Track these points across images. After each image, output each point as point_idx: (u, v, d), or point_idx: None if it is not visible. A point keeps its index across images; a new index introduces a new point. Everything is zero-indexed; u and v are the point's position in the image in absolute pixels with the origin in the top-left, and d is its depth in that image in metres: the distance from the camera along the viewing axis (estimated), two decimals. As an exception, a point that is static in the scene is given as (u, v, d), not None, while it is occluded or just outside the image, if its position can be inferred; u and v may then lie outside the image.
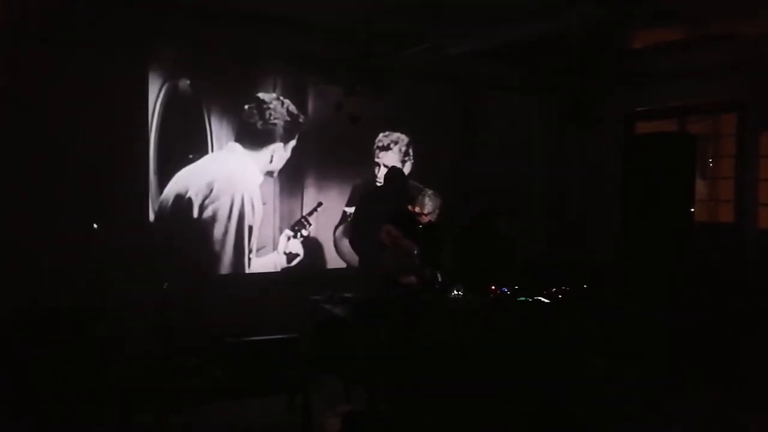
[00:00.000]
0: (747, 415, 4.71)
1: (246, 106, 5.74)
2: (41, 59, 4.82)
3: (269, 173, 5.92)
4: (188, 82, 5.48)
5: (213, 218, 5.65)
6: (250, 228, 5.83)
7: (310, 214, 6.14)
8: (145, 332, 4.43)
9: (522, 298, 4.84)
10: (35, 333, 4.30)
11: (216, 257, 5.70)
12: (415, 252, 4.99)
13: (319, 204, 6.18)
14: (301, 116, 6.02)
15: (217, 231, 5.69)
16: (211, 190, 5.63)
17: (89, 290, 4.74)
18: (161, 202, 5.43)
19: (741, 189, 6.17)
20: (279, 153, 5.94)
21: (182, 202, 5.51)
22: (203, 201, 5.60)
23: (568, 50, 6.61)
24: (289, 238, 6.06)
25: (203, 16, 5.32)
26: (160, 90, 5.36)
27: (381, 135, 6.58)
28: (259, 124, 5.81)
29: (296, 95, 6.03)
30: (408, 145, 6.71)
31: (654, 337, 5.94)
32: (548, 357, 5.04)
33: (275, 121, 5.88)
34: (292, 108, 5.97)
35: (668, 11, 5.12)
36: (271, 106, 5.86)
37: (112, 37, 4.99)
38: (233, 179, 5.72)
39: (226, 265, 5.75)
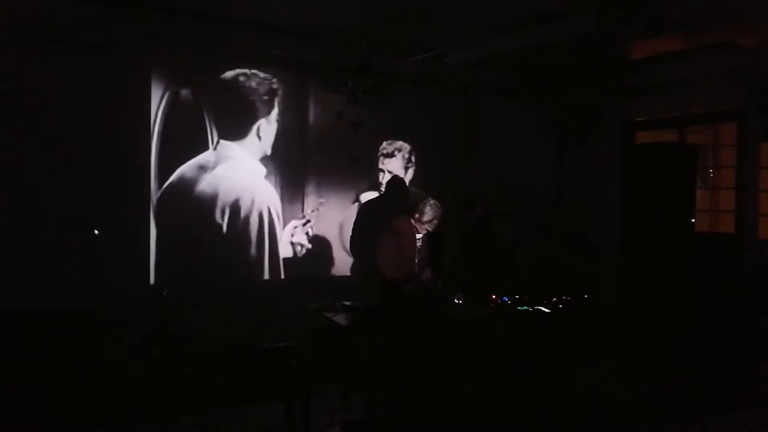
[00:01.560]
0: (745, 414, 4.73)
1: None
2: (44, 62, 4.86)
3: (264, 157, 5.92)
4: (190, 88, 5.51)
5: (216, 222, 5.69)
6: (254, 232, 5.87)
7: (313, 211, 6.15)
8: (145, 336, 4.42)
9: (522, 308, 4.83)
10: (35, 333, 4.32)
11: (217, 264, 5.72)
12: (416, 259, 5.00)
13: (320, 203, 6.18)
14: (274, 81, 5.93)
15: (221, 236, 5.72)
16: (213, 194, 5.67)
17: (89, 292, 4.77)
18: (161, 205, 5.45)
19: (741, 199, 6.17)
20: (264, 127, 5.90)
21: (182, 205, 5.53)
22: (204, 205, 5.63)
23: (569, 58, 6.64)
24: (294, 228, 6.07)
25: (206, 23, 5.36)
26: (162, 95, 5.39)
27: (385, 143, 6.61)
28: (236, 106, 5.75)
29: (297, 102, 6.05)
30: (410, 153, 6.73)
31: (654, 344, 5.94)
32: (548, 363, 5.04)
33: (251, 98, 5.83)
34: (262, 77, 5.88)
35: (666, 20, 5.14)
36: (239, 83, 5.77)
37: (115, 40, 5.04)
38: (232, 179, 5.76)
39: (226, 271, 5.77)
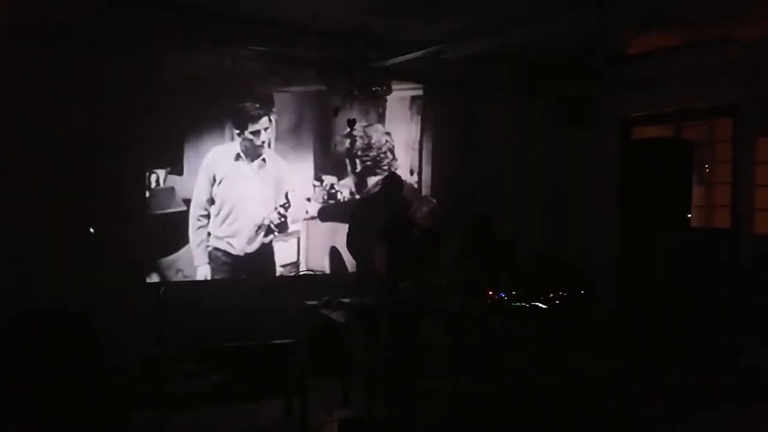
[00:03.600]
0: (744, 412, 4.75)
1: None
2: (41, 59, 4.84)
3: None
4: (187, 85, 5.50)
5: (211, 220, 5.68)
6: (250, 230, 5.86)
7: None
8: (142, 335, 4.43)
9: (519, 303, 4.84)
10: (32, 333, 4.31)
11: (213, 261, 5.71)
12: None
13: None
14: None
15: (216, 234, 5.72)
16: (209, 191, 5.66)
17: (86, 292, 4.75)
18: (158, 205, 5.43)
19: (737, 194, 6.18)
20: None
21: (179, 205, 5.52)
22: (199, 203, 5.62)
23: (567, 54, 6.64)
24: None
25: (202, 20, 5.34)
26: (158, 93, 5.36)
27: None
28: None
29: (293, 100, 6.03)
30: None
31: (650, 339, 5.97)
32: (544, 359, 5.06)
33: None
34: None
35: (662, 16, 5.15)
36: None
37: (112, 38, 5.01)
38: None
39: (223, 269, 5.76)
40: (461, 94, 6.87)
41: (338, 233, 6.26)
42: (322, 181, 6.25)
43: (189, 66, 5.51)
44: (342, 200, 6.35)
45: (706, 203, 6.81)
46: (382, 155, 6.63)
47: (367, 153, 6.55)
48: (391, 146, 6.68)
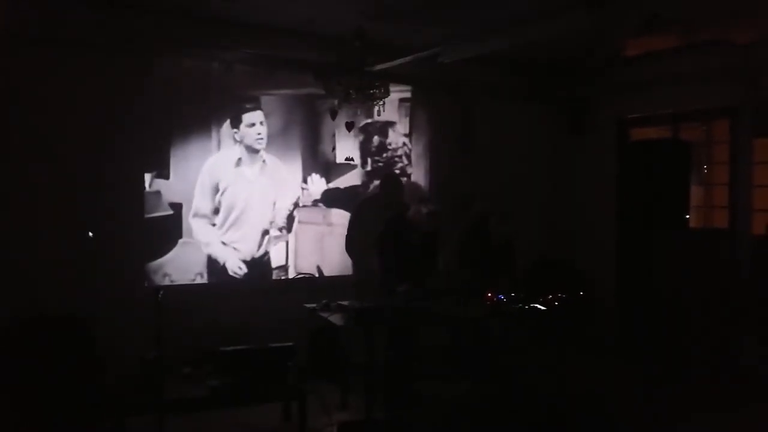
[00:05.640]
0: (744, 412, 4.75)
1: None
2: (38, 61, 4.85)
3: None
4: (186, 88, 5.51)
5: (210, 224, 5.67)
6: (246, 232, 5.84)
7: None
8: (140, 339, 4.41)
9: (518, 305, 4.84)
10: (31, 337, 4.31)
11: (211, 265, 5.70)
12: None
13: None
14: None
15: (213, 237, 5.70)
16: (205, 194, 5.65)
17: (85, 295, 4.74)
18: (156, 206, 5.43)
19: (735, 195, 6.19)
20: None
21: (166, 209, 5.51)
22: (197, 206, 5.61)
23: (564, 56, 6.65)
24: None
25: (200, 23, 5.35)
26: (157, 95, 5.36)
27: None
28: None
29: (281, 103, 6.03)
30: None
31: (650, 339, 5.96)
32: (544, 361, 5.05)
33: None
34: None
35: (658, 17, 5.15)
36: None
37: (110, 40, 5.03)
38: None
39: (223, 272, 5.75)
40: (459, 96, 6.88)
41: (326, 237, 6.25)
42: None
43: (181, 68, 5.52)
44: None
45: (705, 204, 6.81)
46: (396, 158, 6.57)
47: (380, 153, 6.50)
48: (407, 150, 6.62)
